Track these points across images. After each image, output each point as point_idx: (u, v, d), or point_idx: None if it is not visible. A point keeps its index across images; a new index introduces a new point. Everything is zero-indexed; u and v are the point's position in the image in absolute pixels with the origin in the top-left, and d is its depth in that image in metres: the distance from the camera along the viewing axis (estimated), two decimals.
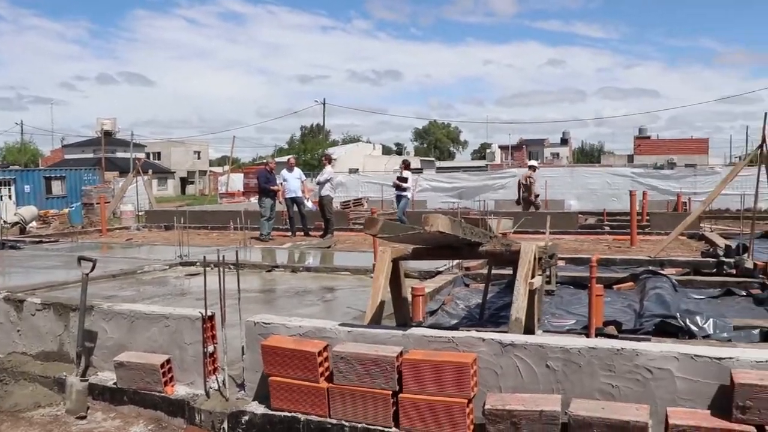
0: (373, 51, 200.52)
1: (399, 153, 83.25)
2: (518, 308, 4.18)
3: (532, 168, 19.14)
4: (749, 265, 9.01)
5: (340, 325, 4.22)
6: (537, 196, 18.77)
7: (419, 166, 49.22)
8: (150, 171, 32.40)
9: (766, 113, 9.46)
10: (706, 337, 5.82)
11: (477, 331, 4.20)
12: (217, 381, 4.52)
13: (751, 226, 9.99)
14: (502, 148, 76.68)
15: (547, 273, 7.85)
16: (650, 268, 9.08)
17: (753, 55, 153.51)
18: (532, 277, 4.42)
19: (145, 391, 4.65)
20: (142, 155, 60.76)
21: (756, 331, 5.89)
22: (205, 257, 5.62)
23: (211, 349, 4.51)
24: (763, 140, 9.45)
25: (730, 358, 3.28)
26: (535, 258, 4.47)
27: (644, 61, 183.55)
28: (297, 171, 16.11)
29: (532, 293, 4.40)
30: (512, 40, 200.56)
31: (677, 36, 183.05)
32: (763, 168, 9.76)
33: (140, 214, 21.76)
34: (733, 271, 9.19)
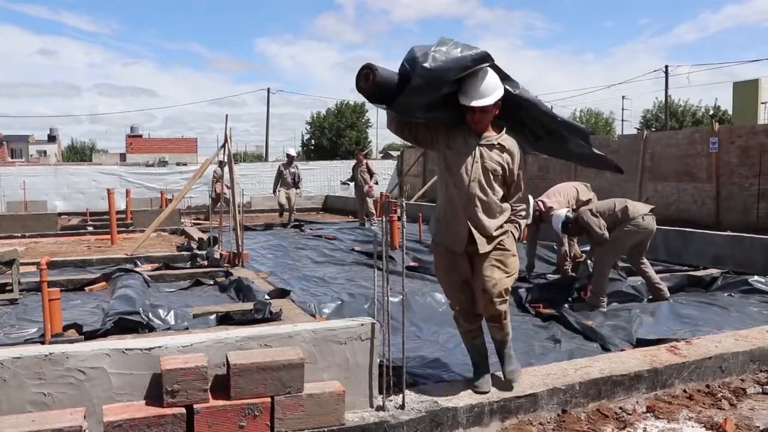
0: None
1: None
2: None
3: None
4: (217, 255, 9.69)
5: None
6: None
7: None
8: None
9: (227, 115, 10.26)
10: (168, 328, 6.03)
11: None
12: None
13: (219, 219, 10.73)
14: None
15: (8, 281, 7.25)
16: (125, 266, 9.08)
17: (237, 63, 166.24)
18: None
19: None
20: None
21: (213, 317, 6.31)
22: None
23: None
24: (225, 140, 10.21)
25: (160, 347, 3.38)
26: None
27: (140, 59, 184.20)
28: None
29: None
30: None
31: (170, 38, 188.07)
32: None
33: None
34: (205, 263, 9.77)
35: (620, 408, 4.18)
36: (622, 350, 5.25)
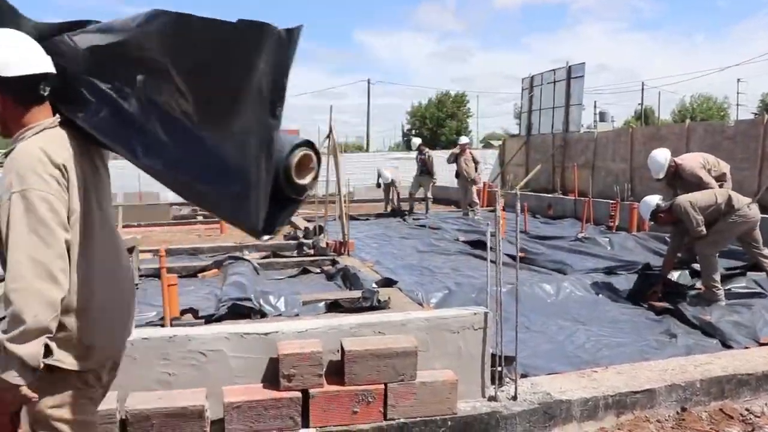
0: None
1: None
2: None
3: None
4: (323, 244, 9.85)
5: None
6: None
7: None
8: None
9: (331, 106, 10.41)
10: (279, 314, 6.17)
11: None
12: None
13: (325, 209, 10.90)
14: None
15: None
16: (234, 254, 9.37)
17: (336, 54, 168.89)
18: None
19: None
20: None
21: (321, 304, 6.42)
22: None
23: None
24: (330, 130, 10.34)
25: (276, 332, 3.47)
26: None
27: None
28: None
29: None
30: None
31: None
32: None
33: None
34: (311, 251, 9.95)
35: (746, 410, 3.97)
36: (746, 348, 5.00)
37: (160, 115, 1.93)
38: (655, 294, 6.67)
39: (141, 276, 8.05)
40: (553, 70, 22.87)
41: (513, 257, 7.52)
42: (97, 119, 2.03)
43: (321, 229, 10.68)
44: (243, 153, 1.79)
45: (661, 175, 7.36)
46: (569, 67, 21.86)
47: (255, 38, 1.71)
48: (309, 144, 2.01)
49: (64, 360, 2.07)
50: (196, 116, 1.87)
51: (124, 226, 13.44)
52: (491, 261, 3.90)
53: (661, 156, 7.41)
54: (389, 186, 17.45)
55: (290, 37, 1.70)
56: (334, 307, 6.25)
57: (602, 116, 56.06)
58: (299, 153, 1.94)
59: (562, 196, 17.36)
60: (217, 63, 1.80)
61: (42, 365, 1.91)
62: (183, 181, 1.95)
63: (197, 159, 1.87)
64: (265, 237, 1.91)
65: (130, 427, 3.23)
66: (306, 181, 1.99)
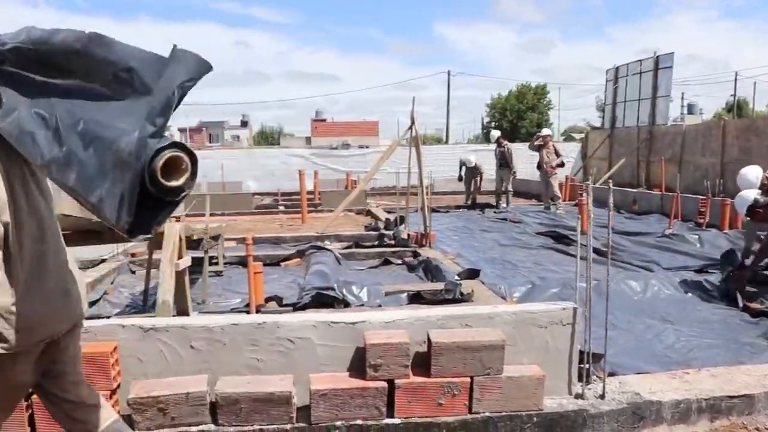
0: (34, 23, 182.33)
1: None
2: (164, 291, 4.04)
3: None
4: (404, 235, 9.85)
5: None
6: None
7: None
8: None
9: (414, 97, 10.37)
10: (361, 304, 6.21)
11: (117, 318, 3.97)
12: None
13: (406, 201, 10.90)
14: (181, 130, 74.91)
15: (215, 254, 7.80)
16: (316, 243, 9.48)
17: (416, 47, 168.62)
18: (179, 257, 4.30)
19: None
20: None
21: (404, 295, 6.43)
22: None
23: None
24: (412, 122, 10.32)
25: (363, 321, 3.48)
26: (181, 239, 4.35)
27: (322, 47, 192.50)
28: None
29: (179, 274, 4.28)
30: (188, 19, 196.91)
31: (350, 25, 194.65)
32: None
33: None
34: (392, 242, 9.98)
35: None
36: None
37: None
38: (742, 278, 6.39)
39: (225, 263, 8.25)
40: (640, 60, 22.16)
41: (597, 252, 7.40)
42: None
43: (402, 221, 10.69)
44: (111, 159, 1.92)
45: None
46: (657, 57, 21.12)
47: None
48: (177, 146, 2.01)
49: None
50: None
51: (210, 215, 13.80)
52: (581, 257, 3.82)
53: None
54: (472, 175, 17.31)
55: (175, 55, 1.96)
56: (416, 298, 6.25)
57: (690, 108, 54.18)
58: (166, 155, 1.94)
59: (647, 191, 16.86)
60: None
61: None
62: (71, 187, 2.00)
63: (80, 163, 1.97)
64: (140, 236, 2.01)
65: (220, 410, 3.31)
66: (179, 182, 2.00)
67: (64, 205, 3.37)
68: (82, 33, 1.99)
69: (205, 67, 2.02)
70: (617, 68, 23.80)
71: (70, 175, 1.96)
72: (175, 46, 1.99)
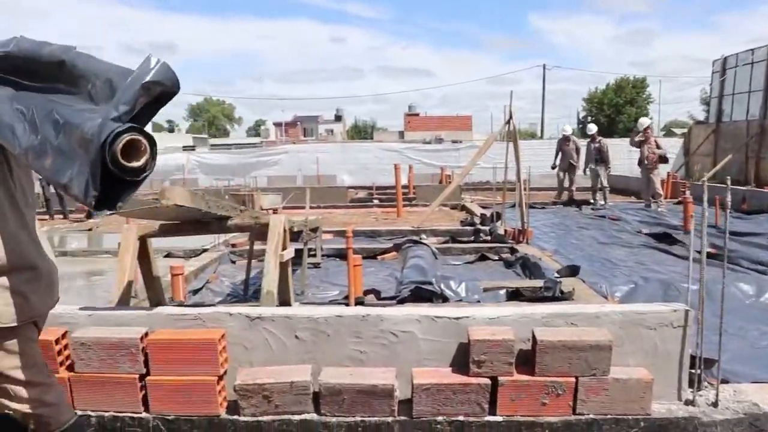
0: (141, 22, 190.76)
1: (171, 130, 79.74)
2: (269, 281, 4.12)
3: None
4: (501, 231, 9.74)
5: (80, 309, 3.88)
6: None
7: (191, 144, 47.67)
8: None
9: (512, 92, 10.24)
10: (460, 299, 6.17)
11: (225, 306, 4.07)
12: None
13: (503, 196, 10.76)
14: (276, 124, 76.71)
15: (313, 246, 7.91)
16: (412, 237, 9.49)
17: (509, 40, 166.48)
18: (283, 249, 4.38)
19: None
20: None
21: (502, 292, 6.35)
22: None
23: None
24: (510, 116, 10.17)
25: (467, 317, 3.45)
26: (285, 230, 4.42)
27: (415, 41, 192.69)
28: None
29: (283, 265, 4.36)
30: (283, 16, 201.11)
31: (443, 20, 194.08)
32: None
33: None
34: (488, 238, 9.89)
35: None
36: None
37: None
38: None
39: (323, 256, 8.37)
40: (752, 50, 21.09)
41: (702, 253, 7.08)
42: None
43: (498, 216, 10.56)
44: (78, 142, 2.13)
45: None
46: None
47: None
48: (135, 129, 2.14)
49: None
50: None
51: (301, 207, 14.06)
52: (694, 259, 3.66)
53: None
54: (566, 165, 16.90)
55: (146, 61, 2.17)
56: (515, 295, 6.16)
57: None
58: (125, 138, 2.09)
59: (757, 188, 16.06)
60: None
61: None
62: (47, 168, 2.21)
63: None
64: (107, 211, 2.26)
65: (323, 400, 3.35)
66: (140, 163, 2.16)
67: (176, 196, 3.49)
68: (69, 47, 2.25)
69: (170, 75, 2.20)
70: (725, 59, 22.78)
71: (45, 161, 2.17)
72: (149, 55, 2.19)
